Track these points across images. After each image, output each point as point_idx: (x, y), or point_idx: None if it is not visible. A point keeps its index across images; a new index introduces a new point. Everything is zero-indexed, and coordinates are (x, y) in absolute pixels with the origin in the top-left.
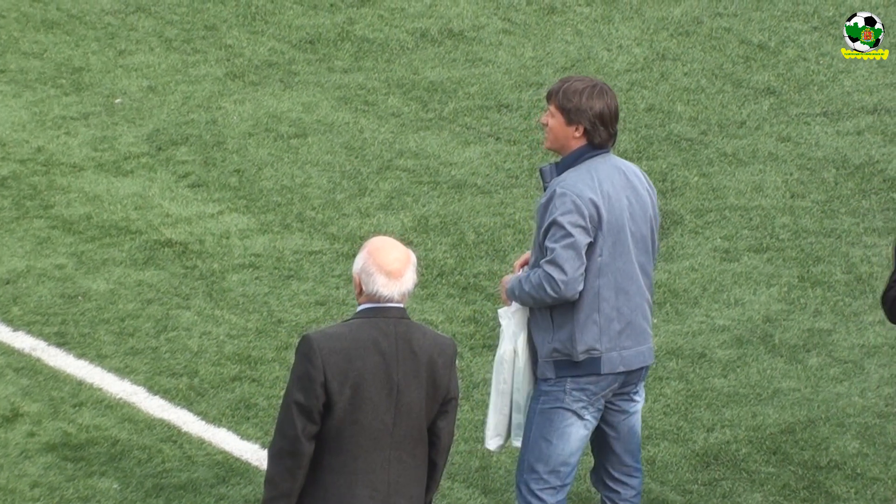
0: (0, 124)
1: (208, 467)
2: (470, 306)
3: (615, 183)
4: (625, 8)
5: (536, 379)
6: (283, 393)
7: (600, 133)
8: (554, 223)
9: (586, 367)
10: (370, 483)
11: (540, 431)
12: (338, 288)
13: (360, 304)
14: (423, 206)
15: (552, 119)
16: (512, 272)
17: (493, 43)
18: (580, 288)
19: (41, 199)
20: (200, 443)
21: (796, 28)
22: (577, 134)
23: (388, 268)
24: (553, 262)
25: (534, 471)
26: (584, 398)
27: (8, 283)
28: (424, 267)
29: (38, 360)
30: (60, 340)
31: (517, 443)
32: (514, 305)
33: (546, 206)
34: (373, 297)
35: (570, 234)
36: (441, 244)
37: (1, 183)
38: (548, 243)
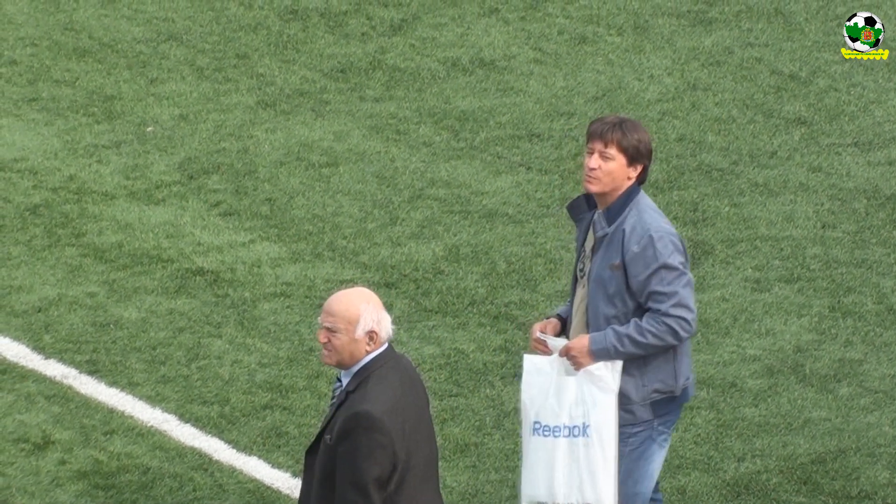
0: (32, 152)
1: (239, 496)
2: (501, 335)
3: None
4: (656, 38)
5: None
6: (314, 422)
7: (650, 168)
8: (664, 266)
9: (681, 397)
10: None
11: (631, 474)
12: None
13: (366, 356)
14: (455, 235)
15: (611, 161)
16: (532, 338)
17: (524, 72)
18: None
19: (73, 227)
20: (231, 471)
21: (827, 58)
22: (633, 174)
23: (383, 308)
24: (681, 304)
25: None
26: (667, 430)
27: (40, 311)
28: (456, 296)
29: (70, 387)
30: (92, 368)
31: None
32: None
33: (644, 254)
34: (384, 340)
35: (684, 273)
36: (472, 273)
37: (33, 211)
38: (660, 288)
